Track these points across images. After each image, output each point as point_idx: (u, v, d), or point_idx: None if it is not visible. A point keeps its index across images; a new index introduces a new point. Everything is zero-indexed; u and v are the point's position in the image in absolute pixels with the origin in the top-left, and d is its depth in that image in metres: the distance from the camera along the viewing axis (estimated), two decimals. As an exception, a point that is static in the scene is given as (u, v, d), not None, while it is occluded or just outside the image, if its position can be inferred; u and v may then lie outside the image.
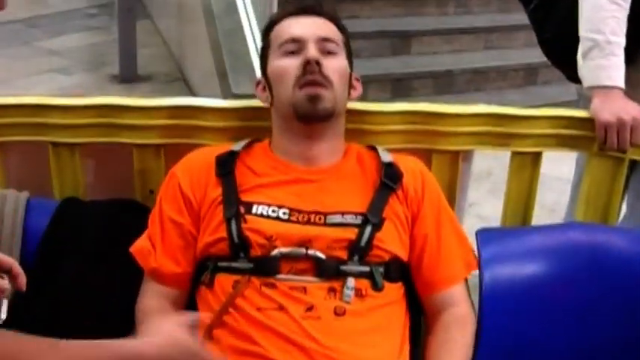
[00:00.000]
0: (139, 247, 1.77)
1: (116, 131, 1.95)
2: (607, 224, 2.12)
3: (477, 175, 3.99)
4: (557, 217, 2.96)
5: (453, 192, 2.02)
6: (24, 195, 1.89)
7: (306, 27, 1.79)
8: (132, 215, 1.89)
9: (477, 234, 1.90)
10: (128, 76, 5.81)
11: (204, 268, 1.73)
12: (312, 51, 1.74)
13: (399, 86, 5.41)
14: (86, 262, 1.79)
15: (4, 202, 1.85)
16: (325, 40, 1.78)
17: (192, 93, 5.49)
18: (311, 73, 1.72)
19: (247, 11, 4.51)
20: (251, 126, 1.96)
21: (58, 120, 1.93)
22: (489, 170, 4.11)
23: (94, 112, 1.93)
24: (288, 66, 1.75)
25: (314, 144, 1.78)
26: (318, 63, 1.72)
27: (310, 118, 1.74)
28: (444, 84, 5.59)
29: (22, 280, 1.43)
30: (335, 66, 1.76)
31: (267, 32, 1.87)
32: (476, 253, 1.85)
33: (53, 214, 1.87)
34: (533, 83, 5.88)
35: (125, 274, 1.75)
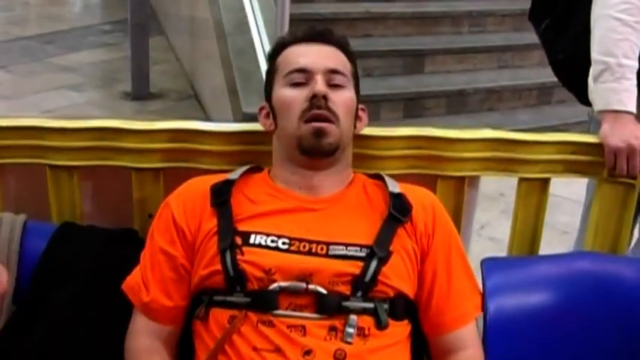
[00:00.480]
0: (131, 283, 1.70)
1: (115, 154, 1.91)
2: (617, 251, 2.07)
3: (489, 196, 3.97)
4: (569, 239, 2.92)
5: (458, 218, 1.97)
6: (21, 218, 1.87)
7: (315, 57, 1.74)
8: (128, 245, 1.84)
9: (482, 263, 1.86)
10: (140, 93, 5.81)
11: (199, 302, 1.65)
12: (319, 85, 1.69)
13: (412, 105, 5.37)
14: (80, 291, 1.75)
15: (0, 224, 1.83)
16: (333, 72, 1.73)
17: (203, 111, 5.49)
18: (317, 108, 1.67)
19: (260, 31, 4.50)
20: (252, 150, 1.92)
21: (55, 142, 1.90)
22: (502, 191, 4.06)
23: (93, 134, 1.90)
24: (294, 97, 1.71)
25: (317, 175, 1.73)
26: (325, 97, 1.67)
27: (314, 153, 1.69)
28: (457, 103, 5.55)
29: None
30: (342, 100, 1.71)
31: (274, 56, 1.81)
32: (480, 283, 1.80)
33: (50, 238, 1.84)
34: (547, 103, 5.84)
35: (118, 306, 1.70)
